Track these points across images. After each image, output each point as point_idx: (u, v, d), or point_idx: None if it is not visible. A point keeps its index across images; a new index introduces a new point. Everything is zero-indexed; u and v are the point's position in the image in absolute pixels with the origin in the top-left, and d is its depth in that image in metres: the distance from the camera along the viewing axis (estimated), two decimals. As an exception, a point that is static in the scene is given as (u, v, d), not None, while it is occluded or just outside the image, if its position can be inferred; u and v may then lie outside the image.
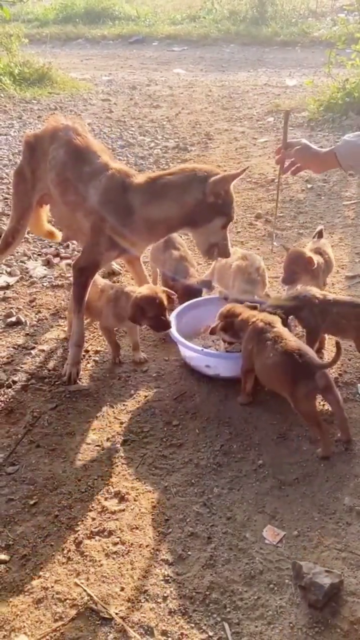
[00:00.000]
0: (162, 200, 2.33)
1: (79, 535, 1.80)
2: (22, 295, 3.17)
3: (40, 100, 7.29)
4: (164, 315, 2.39)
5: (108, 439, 2.18)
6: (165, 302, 2.40)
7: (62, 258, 3.58)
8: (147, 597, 1.61)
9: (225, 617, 1.55)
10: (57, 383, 2.48)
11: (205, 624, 1.54)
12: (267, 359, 2.11)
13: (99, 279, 2.62)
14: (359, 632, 1.51)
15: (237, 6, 13.15)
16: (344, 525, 1.81)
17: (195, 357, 2.47)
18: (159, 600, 1.61)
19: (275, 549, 1.74)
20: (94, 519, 1.85)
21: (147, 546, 1.76)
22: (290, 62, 9.96)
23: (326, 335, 2.60)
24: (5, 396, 2.41)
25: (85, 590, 1.63)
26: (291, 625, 1.53)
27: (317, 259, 2.69)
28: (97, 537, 1.79)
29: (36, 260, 3.54)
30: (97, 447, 2.15)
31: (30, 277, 3.35)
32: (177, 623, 1.54)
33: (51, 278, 3.34)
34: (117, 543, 1.77)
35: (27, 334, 2.82)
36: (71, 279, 3.26)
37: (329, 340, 2.67)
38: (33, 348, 2.71)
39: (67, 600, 1.61)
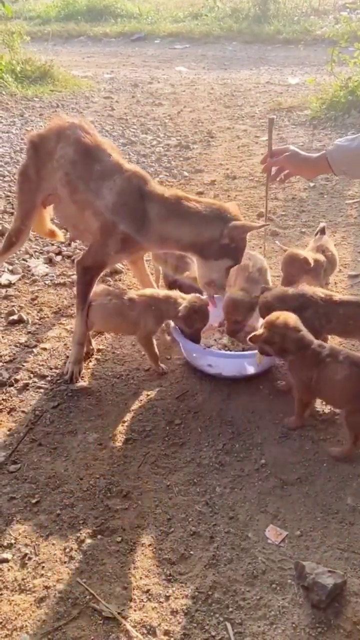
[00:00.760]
0: (181, 222, 2.34)
1: (81, 534, 1.79)
2: (24, 293, 3.17)
3: (42, 98, 7.28)
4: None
5: (110, 438, 2.18)
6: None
7: (64, 256, 3.57)
8: (150, 597, 1.61)
9: (227, 617, 1.55)
10: (59, 381, 2.47)
11: (207, 624, 1.53)
12: (334, 375, 2.02)
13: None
14: (362, 632, 1.50)
15: (240, 4, 13.13)
16: (347, 525, 1.80)
17: (197, 356, 2.46)
18: (162, 599, 1.60)
19: (278, 549, 1.74)
20: (96, 518, 1.85)
21: (149, 545, 1.76)
22: (292, 60, 9.94)
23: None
24: (7, 394, 2.41)
25: (87, 589, 1.63)
26: (294, 625, 1.52)
27: (317, 257, 2.68)
28: (99, 536, 1.79)
29: (38, 259, 3.54)
30: (99, 446, 2.14)
31: (32, 275, 3.34)
32: (179, 623, 1.54)
33: (53, 276, 3.33)
34: (120, 542, 1.77)
35: (29, 332, 2.81)
36: (73, 277, 3.29)
37: (330, 340, 2.66)
38: (35, 346, 2.71)
39: (69, 599, 1.61)
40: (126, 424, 2.25)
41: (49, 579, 1.67)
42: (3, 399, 2.38)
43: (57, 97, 7.40)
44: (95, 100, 7.40)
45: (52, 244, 3.69)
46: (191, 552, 1.73)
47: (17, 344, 2.72)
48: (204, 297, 2.49)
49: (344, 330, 2.39)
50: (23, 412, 2.32)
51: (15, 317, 2.90)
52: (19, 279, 3.29)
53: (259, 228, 2.38)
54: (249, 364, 2.42)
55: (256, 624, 1.53)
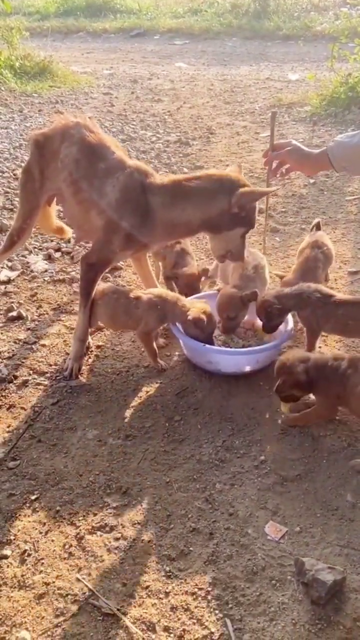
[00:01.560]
0: (185, 204, 2.32)
1: (80, 530, 1.79)
2: (23, 289, 3.16)
3: (41, 94, 7.25)
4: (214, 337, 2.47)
5: (110, 434, 2.17)
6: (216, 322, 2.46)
7: (63, 252, 3.56)
8: (149, 593, 1.61)
9: (227, 614, 1.55)
10: (58, 378, 2.47)
11: (207, 620, 1.53)
12: (357, 386, 1.99)
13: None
14: (361, 628, 1.50)
15: (239, 0, 13.07)
16: (346, 522, 1.80)
17: (197, 353, 2.46)
18: (161, 596, 1.60)
19: (278, 545, 1.73)
20: (95, 514, 1.85)
21: (148, 542, 1.76)
22: (292, 57, 9.90)
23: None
24: (7, 391, 2.40)
25: (86, 586, 1.63)
26: (293, 621, 1.52)
27: (314, 253, 2.68)
28: (98, 533, 1.79)
29: (37, 255, 3.53)
30: (99, 443, 2.14)
31: (32, 271, 3.34)
32: (179, 619, 1.54)
33: (52, 272, 3.32)
34: (119, 538, 1.77)
35: (28, 329, 2.81)
36: (73, 273, 3.28)
37: (330, 338, 2.66)
38: (34, 343, 2.70)
39: (69, 596, 1.61)
40: (126, 420, 2.24)
41: (48, 575, 1.66)
42: (2, 396, 2.38)
43: (56, 93, 7.38)
44: (95, 96, 7.37)
45: (52, 240, 3.69)
46: (191, 549, 1.73)
47: (17, 341, 2.72)
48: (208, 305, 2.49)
49: (344, 330, 2.39)
50: (22, 408, 2.31)
51: (14, 313, 2.89)
52: (18, 275, 3.28)
53: (267, 193, 2.34)
54: (248, 361, 2.41)
55: (256, 620, 1.53)
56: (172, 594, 1.60)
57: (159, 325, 2.50)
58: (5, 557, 1.71)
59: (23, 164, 2.67)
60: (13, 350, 2.65)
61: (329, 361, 2.08)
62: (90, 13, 13.92)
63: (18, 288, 3.17)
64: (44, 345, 2.68)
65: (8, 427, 2.22)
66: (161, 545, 1.74)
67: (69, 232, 3.03)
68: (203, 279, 2.88)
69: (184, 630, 1.51)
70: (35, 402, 2.34)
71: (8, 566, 1.69)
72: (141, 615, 1.55)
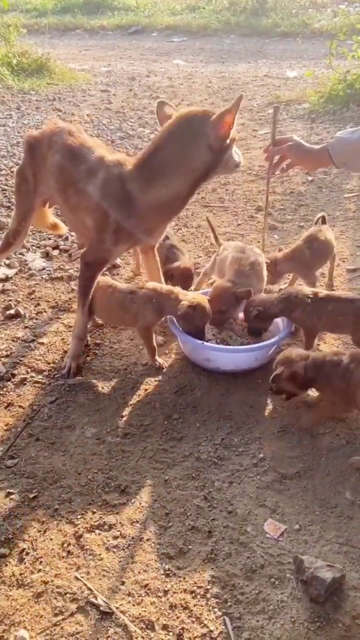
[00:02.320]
0: (164, 180, 2.21)
1: (79, 529, 1.79)
2: (21, 287, 3.15)
3: (38, 91, 7.23)
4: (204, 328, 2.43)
5: (108, 433, 2.17)
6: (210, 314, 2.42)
7: (61, 250, 3.55)
8: (148, 591, 1.61)
9: (226, 612, 1.55)
10: (56, 376, 2.46)
11: (206, 618, 1.53)
12: None
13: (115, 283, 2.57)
14: (360, 626, 1.50)
15: (237, -3, 13.06)
16: (345, 519, 1.80)
17: (195, 351, 2.45)
18: (160, 594, 1.60)
19: (277, 543, 1.73)
20: (94, 513, 1.84)
21: (147, 540, 1.75)
22: (290, 54, 9.89)
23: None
24: (5, 389, 2.39)
25: (85, 585, 1.62)
26: (292, 619, 1.52)
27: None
28: (97, 531, 1.78)
29: (35, 253, 3.52)
30: (97, 441, 2.13)
31: (29, 269, 3.33)
32: (178, 617, 1.54)
33: (50, 270, 3.31)
34: (118, 537, 1.76)
35: (26, 327, 2.80)
36: (70, 271, 3.27)
37: (328, 336, 2.66)
38: (32, 341, 2.69)
39: (67, 595, 1.60)
40: (124, 418, 2.24)
41: (47, 574, 1.66)
42: (0, 394, 2.37)
43: (53, 91, 7.35)
44: (92, 94, 7.35)
45: (49, 238, 3.67)
46: (189, 547, 1.72)
47: (14, 339, 2.71)
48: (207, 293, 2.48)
49: (334, 326, 2.40)
50: (20, 407, 2.31)
51: (12, 311, 2.88)
52: (16, 273, 3.27)
53: (237, 106, 2.06)
54: (247, 359, 2.41)
55: (255, 618, 1.53)
56: (171, 593, 1.60)
57: (157, 319, 2.49)
58: (4, 555, 1.71)
59: (20, 163, 2.66)
60: (11, 348, 2.64)
61: (327, 357, 2.08)
62: (87, 10, 13.88)
63: (16, 286, 3.16)
64: (42, 343, 2.67)
65: (6, 425, 2.21)
66: (160, 544, 1.74)
67: (64, 229, 3.03)
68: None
69: (183, 628, 1.51)
70: (33, 400, 2.34)
71: (6, 565, 1.69)
72: (140, 614, 1.55)
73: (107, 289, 2.48)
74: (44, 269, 3.33)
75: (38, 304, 2.98)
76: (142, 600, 1.59)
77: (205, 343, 2.40)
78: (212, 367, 2.43)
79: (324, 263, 2.91)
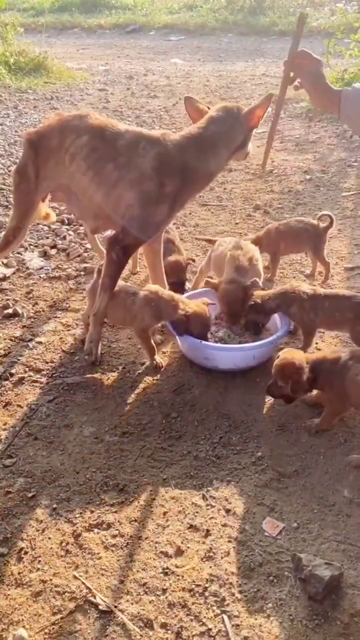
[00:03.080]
0: (216, 149, 2.46)
1: (77, 528, 1.79)
2: (19, 286, 3.14)
3: (36, 90, 7.22)
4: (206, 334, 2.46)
5: (106, 431, 2.17)
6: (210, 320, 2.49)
7: (59, 249, 3.55)
8: (146, 590, 1.61)
9: (224, 610, 1.55)
10: (54, 375, 2.46)
11: (204, 617, 1.53)
12: (357, 376, 1.98)
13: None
14: (359, 624, 1.50)
15: (235, -5, 13.05)
16: (343, 517, 1.80)
17: (193, 349, 2.45)
18: (158, 592, 1.60)
19: (275, 541, 1.73)
20: (92, 512, 1.84)
21: (146, 539, 1.75)
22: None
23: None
24: (3, 388, 2.39)
25: (84, 583, 1.62)
26: (291, 617, 1.52)
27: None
28: (95, 530, 1.78)
29: (33, 252, 3.51)
30: (96, 440, 2.13)
31: (27, 268, 3.32)
32: (176, 616, 1.54)
33: (48, 270, 3.31)
34: (116, 535, 1.76)
35: (24, 326, 2.79)
36: (68, 270, 3.27)
37: (327, 334, 2.66)
38: (30, 340, 2.69)
39: (66, 593, 1.60)
40: (122, 417, 2.24)
41: (45, 573, 1.66)
42: (-2, 393, 2.37)
43: (51, 89, 7.34)
44: (90, 93, 7.35)
45: (47, 237, 3.67)
46: (188, 545, 1.73)
47: (12, 338, 2.70)
48: (208, 303, 2.50)
49: (332, 322, 2.40)
50: (19, 406, 2.30)
51: (10, 310, 2.88)
52: (14, 273, 3.27)
53: (267, 103, 2.50)
54: (245, 357, 2.41)
55: (253, 616, 1.53)
56: (170, 591, 1.60)
57: (155, 322, 2.49)
58: (2, 555, 1.71)
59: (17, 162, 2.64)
60: (9, 347, 2.64)
61: (327, 356, 2.08)
62: (85, 9, 13.87)
63: (14, 285, 3.15)
64: (40, 343, 2.67)
65: (4, 424, 2.21)
66: (158, 542, 1.74)
67: (54, 216, 3.01)
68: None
69: (181, 627, 1.51)
70: (31, 399, 2.34)
71: (5, 564, 1.69)
72: (138, 612, 1.55)
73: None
74: (42, 268, 3.33)
75: (36, 303, 2.98)
76: (140, 598, 1.59)
77: (203, 342, 2.40)
78: (210, 365, 2.43)
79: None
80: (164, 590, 1.60)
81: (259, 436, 2.13)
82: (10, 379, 2.44)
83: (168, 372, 2.48)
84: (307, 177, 4.61)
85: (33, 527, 1.80)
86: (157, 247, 2.73)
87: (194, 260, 3.08)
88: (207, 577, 1.63)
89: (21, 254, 3.46)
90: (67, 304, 2.98)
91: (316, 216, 3.10)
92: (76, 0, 14.16)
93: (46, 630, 1.51)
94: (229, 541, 1.74)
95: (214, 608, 1.55)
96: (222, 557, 1.69)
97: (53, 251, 3.52)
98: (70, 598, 1.59)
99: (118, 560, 1.69)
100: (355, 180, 4.55)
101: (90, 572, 1.66)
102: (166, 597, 1.58)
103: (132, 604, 1.57)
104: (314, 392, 2.22)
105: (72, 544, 1.74)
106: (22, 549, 1.73)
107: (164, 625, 1.52)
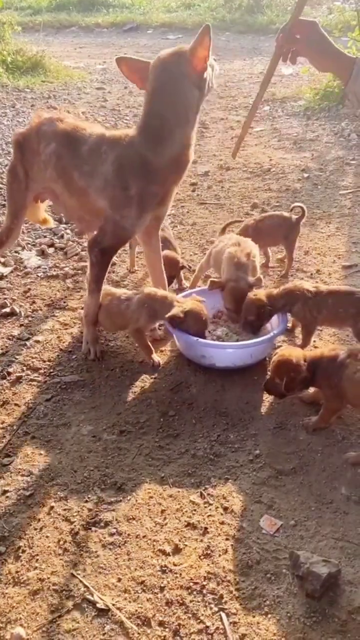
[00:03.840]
0: (170, 134, 2.24)
1: (75, 526, 1.79)
2: (17, 285, 3.14)
3: (33, 89, 7.21)
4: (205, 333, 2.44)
5: (104, 430, 2.17)
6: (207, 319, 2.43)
7: (57, 248, 3.55)
8: (144, 588, 1.61)
9: (222, 607, 1.55)
10: (52, 374, 2.46)
11: (202, 615, 1.53)
12: (355, 373, 1.98)
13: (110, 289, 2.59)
14: (356, 621, 1.50)
15: (233, -6, 13.04)
16: (341, 515, 1.80)
17: (190, 348, 2.45)
18: (156, 590, 1.60)
19: (273, 539, 1.73)
20: (90, 510, 1.84)
21: (143, 537, 1.75)
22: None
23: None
24: (0, 387, 2.39)
25: (81, 582, 1.62)
26: (289, 615, 1.52)
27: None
28: (93, 528, 1.78)
29: (30, 251, 3.51)
30: (93, 438, 2.13)
31: (25, 267, 3.32)
32: (174, 614, 1.54)
33: (46, 268, 3.30)
34: (114, 534, 1.76)
35: (22, 325, 2.79)
36: (66, 268, 3.27)
37: (324, 332, 2.66)
38: (28, 339, 2.69)
39: (64, 592, 1.60)
40: (120, 416, 2.24)
41: (43, 571, 1.66)
42: (-4, 392, 2.37)
43: (48, 88, 7.33)
44: (88, 91, 7.34)
45: (45, 236, 3.67)
46: (185, 543, 1.73)
47: (10, 337, 2.70)
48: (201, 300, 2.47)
49: (335, 319, 2.40)
50: (16, 405, 2.30)
51: (7, 309, 2.87)
52: (11, 272, 3.26)
53: (206, 37, 2.15)
54: (242, 355, 2.41)
55: (251, 614, 1.53)
56: (167, 589, 1.60)
57: (151, 322, 2.50)
58: (0, 553, 1.71)
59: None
60: (6, 346, 2.64)
61: (325, 353, 2.08)
62: (82, 7, 13.85)
63: (11, 284, 3.15)
64: (37, 342, 2.67)
65: (2, 423, 2.21)
66: (156, 540, 1.74)
67: (52, 222, 3.03)
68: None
69: (179, 624, 1.51)
70: (29, 398, 2.33)
71: (2, 563, 1.68)
72: (136, 610, 1.55)
73: (105, 297, 2.51)
74: (39, 267, 3.32)
75: (33, 302, 2.98)
76: (138, 596, 1.59)
77: (201, 340, 2.40)
78: (207, 363, 2.43)
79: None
80: (162, 588, 1.60)
81: (257, 434, 2.13)
82: (8, 378, 2.44)
83: (166, 371, 2.48)
84: (305, 175, 4.61)
85: (31, 525, 1.79)
86: (156, 246, 2.71)
87: (190, 268, 3.10)
88: (205, 575, 1.63)
89: (18, 253, 3.45)
90: (64, 302, 2.97)
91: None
92: (74, -2, 14.16)
93: (44, 629, 1.51)
94: (227, 539, 1.74)
95: (212, 606, 1.55)
96: (219, 555, 1.69)
97: (51, 250, 3.52)
98: (68, 596, 1.59)
99: (116, 558, 1.69)
100: (353, 178, 4.55)
101: (88, 571, 1.66)
102: (164, 595, 1.58)
103: (129, 602, 1.57)
104: (311, 389, 2.23)
105: (70, 542, 1.74)
106: (19, 547, 1.73)
107: (161, 623, 1.52)
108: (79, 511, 1.84)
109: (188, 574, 1.64)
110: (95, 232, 2.48)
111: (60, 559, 1.69)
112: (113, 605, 1.56)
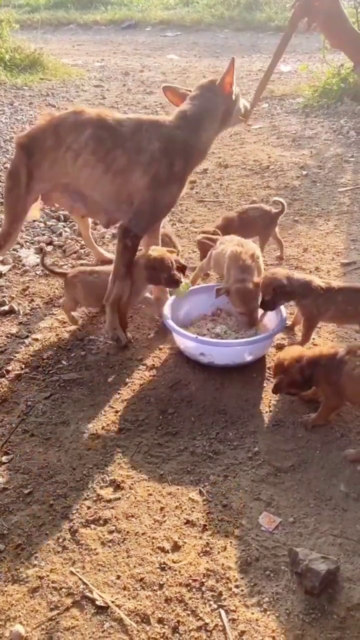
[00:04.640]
0: (204, 123, 2.62)
1: (74, 523, 1.79)
2: (15, 283, 3.14)
3: (31, 87, 7.19)
4: (175, 273, 2.54)
5: (103, 428, 2.17)
6: (174, 262, 2.55)
7: (55, 246, 3.54)
8: (143, 585, 1.61)
9: (221, 604, 1.55)
10: (51, 372, 2.46)
11: (201, 611, 1.53)
12: (353, 370, 1.98)
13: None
14: (355, 618, 1.51)
15: (231, -9, 13.00)
16: (339, 512, 1.81)
17: (189, 345, 2.45)
18: (155, 588, 1.60)
19: (271, 536, 1.74)
20: (89, 508, 1.84)
21: (142, 534, 1.75)
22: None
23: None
24: (-1, 385, 2.39)
25: (80, 579, 1.62)
26: (287, 611, 1.53)
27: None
28: (92, 526, 1.78)
29: (29, 249, 3.50)
30: (92, 436, 2.13)
31: (23, 265, 3.31)
32: (173, 611, 1.54)
33: (44, 266, 3.30)
34: (113, 531, 1.76)
35: (21, 323, 2.79)
36: (65, 267, 3.26)
37: (323, 329, 2.66)
38: (27, 337, 2.69)
39: (63, 589, 1.60)
40: (119, 413, 2.24)
41: (42, 569, 1.66)
42: (-5, 390, 2.37)
43: (47, 86, 7.32)
44: (86, 89, 7.33)
45: (43, 234, 3.66)
46: (185, 541, 1.73)
47: (9, 335, 2.70)
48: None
49: (344, 316, 2.41)
50: (15, 402, 2.30)
51: (6, 307, 2.87)
52: (10, 270, 3.26)
53: (231, 68, 2.62)
54: (241, 353, 2.41)
55: (250, 610, 1.54)
56: (167, 586, 1.60)
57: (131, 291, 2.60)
58: (-1, 551, 1.71)
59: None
60: (5, 344, 2.63)
61: (324, 351, 2.08)
62: (80, 5, 13.82)
63: (10, 282, 3.15)
64: (36, 339, 2.67)
65: (1, 421, 2.21)
66: (155, 538, 1.74)
67: (38, 215, 3.13)
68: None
69: (178, 621, 1.51)
70: (28, 396, 2.33)
71: (2, 560, 1.69)
72: (135, 608, 1.55)
73: (91, 275, 2.65)
74: (37, 265, 3.32)
75: (32, 300, 2.97)
76: (137, 594, 1.59)
77: (200, 337, 2.40)
78: (206, 361, 2.42)
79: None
80: (161, 586, 1.61)
81: (256, 431, 2.13)
82: (7, 376, 2.44)
83: (164, 369, 2.48)
84: (304, 172, 4.60)
85: (30, 523, 1.80)
86: (156, 243, 2.74)
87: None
88: (204, 572, 1.63)
89: (17, 251, 3.45)
90: (63, 300, 2.97)
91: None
92: (72, -4, 14.12)
93: (43, 626, 1.51)
94: (226, 536, 1.74)
95: (211, 603, 1.56)
96: (218, 552, 1.69)
97: (49, 248, 3.51)
98: (67, 594, 1.59)
99: (115, 555, 1.69)
100: (351, 175, 4.55)
101: (87, 568, 1.66)
102: (163, 592, 1.59)
103: (129, 599, 1.57)
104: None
105: (69, 540, 1.74)
106: (19, 545, 1.73)
107: (160, 621, 1.52)
108: (77, 509, 1.84)
109: (187, 571, 1.64)
110: (123, 220, 2.59)
111: (60, 557, 1.69)
112: (112, 602, 1.56)
